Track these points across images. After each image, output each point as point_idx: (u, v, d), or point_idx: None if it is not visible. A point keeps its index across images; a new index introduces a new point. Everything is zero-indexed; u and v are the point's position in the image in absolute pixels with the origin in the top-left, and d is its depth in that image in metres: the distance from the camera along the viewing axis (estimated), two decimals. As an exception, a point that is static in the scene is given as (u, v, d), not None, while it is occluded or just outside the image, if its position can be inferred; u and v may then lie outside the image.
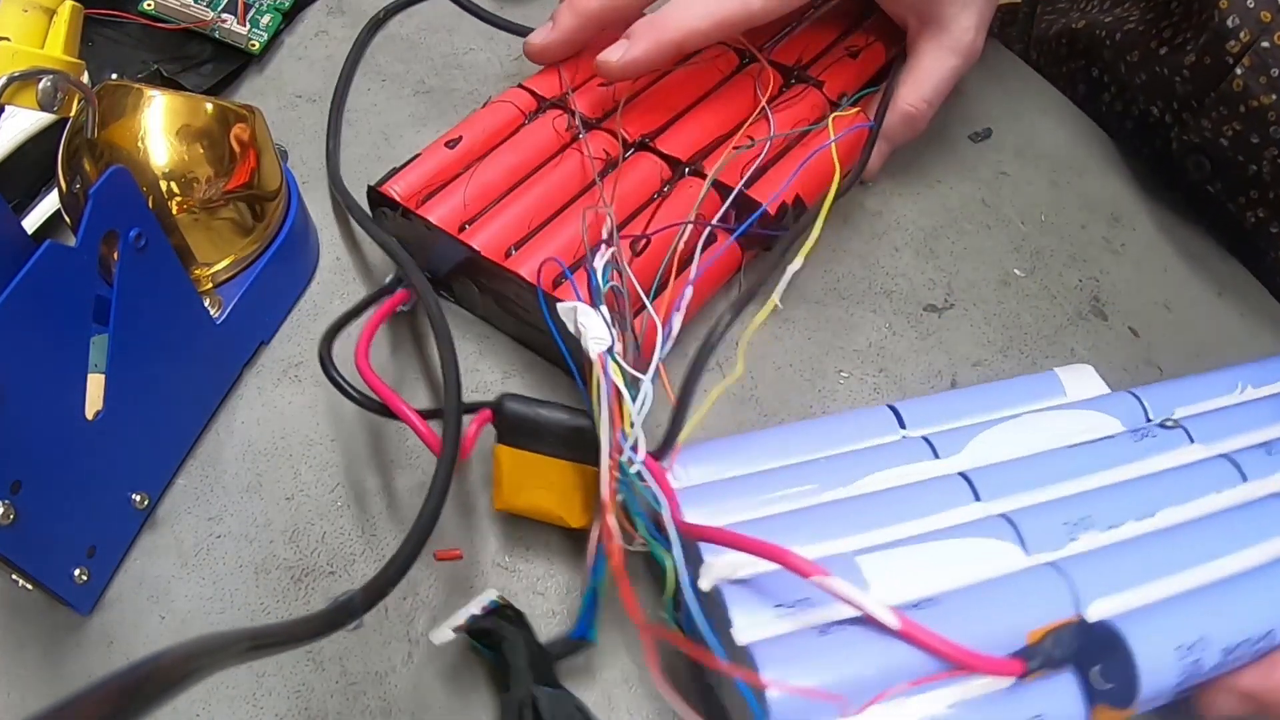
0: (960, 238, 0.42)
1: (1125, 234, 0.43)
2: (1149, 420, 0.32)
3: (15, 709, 0.30)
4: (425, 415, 0.30)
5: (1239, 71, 0.40)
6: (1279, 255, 0.44)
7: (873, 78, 0.43)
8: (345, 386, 0.32)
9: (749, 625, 0.25)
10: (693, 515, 0.28)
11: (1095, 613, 0.25)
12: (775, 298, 0.31)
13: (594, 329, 0.29)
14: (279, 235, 0.36)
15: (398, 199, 0.36)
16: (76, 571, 0.30)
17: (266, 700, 0.30)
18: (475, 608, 0.28)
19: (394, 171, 0.37)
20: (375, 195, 0.37)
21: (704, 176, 0.37)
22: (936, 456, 0.31)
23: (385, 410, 0.31)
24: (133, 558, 0.32)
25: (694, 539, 0.26)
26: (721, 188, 0.37)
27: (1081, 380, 0.34)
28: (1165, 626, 0.25)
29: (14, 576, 0.28)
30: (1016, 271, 0.41)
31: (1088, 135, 0.47)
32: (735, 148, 0.37)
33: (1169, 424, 0.30)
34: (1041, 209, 0.44)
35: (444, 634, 0.27)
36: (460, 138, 0.38)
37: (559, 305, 0.31)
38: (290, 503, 0.34)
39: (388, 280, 0.36)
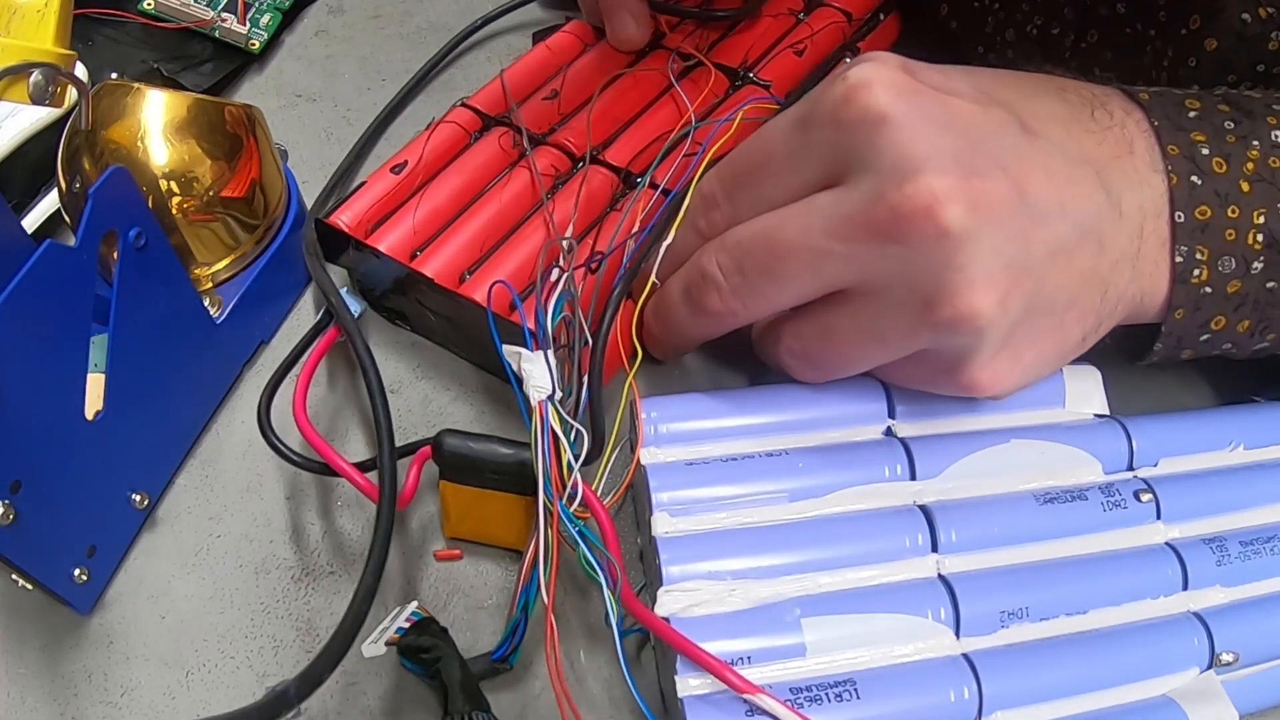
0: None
1: (1126, 234, 0.43)
2: (1131, 467, 0.33)
3: (15, 708, 0.30)
4: (367, 465, 0.30)
5: None
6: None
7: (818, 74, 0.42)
8: (286, 452, 0.31)
9: (690, 681, 0.27)
10: (664, 521, 0.29)
11: None
12: (653, 276, 0.32)
13: (536, 377, 0.29)
14: (279, 235, 0.36)
15: (345, 229, 0.35)
16: (76, 571, 0.30)
17: (266, 700, 0.30)
18: (401, 620, 0.28)
19: (341, 201, 0.36)
20: (323, 228, 0.36)
21: (655, 187, 0.36)
22: (914, 477, 0.31)
23: (328, 469, 0.30)
24: (133, 557, 0.32)
25: (640, 621, 0.27)
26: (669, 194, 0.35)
27: (1083, 385, 0.34)
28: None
29: (14, 576, 0.28)
30: (1017, 271, 0.41)
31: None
32: (687, 155, 0.36)
33: (1142, 496, 0.32)
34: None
35: (377, 648, 0.27)
36: (405, 162, 0.37)
37: (504, 348, 0.30)
38: (290, 502, 0.34)
39: (318, 318, 0.35)
